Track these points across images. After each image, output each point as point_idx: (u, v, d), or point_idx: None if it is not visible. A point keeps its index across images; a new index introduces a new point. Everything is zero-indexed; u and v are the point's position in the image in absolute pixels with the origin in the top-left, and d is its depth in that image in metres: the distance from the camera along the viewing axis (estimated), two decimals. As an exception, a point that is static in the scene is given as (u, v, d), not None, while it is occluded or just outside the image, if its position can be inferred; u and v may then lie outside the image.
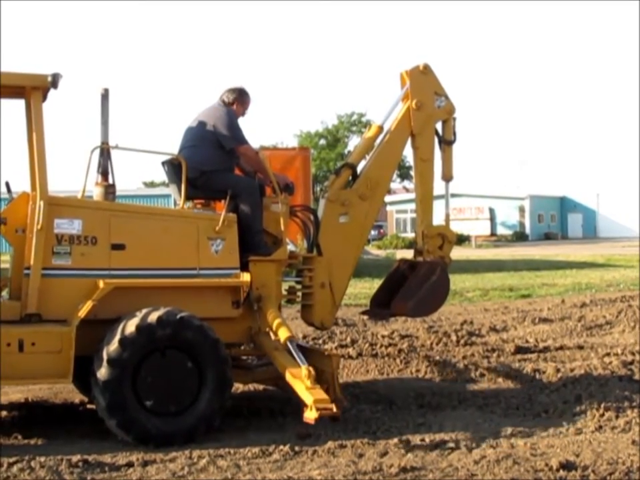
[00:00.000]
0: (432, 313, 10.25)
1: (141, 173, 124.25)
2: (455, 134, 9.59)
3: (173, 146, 8.86)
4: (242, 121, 8.88)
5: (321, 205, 9.23)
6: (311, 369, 7.55)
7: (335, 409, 7.13)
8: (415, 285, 9.18)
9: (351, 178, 9.28)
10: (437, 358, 11.53)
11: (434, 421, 8.19)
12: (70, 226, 7.79)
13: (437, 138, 9.55)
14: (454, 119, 9.57)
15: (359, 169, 9.30)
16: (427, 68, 9.42)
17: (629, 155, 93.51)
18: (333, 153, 69.50)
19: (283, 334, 7.95)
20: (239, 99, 8.88)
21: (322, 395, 7.30)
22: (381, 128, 9.39)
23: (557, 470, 6.44)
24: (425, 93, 9.39)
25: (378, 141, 9.41)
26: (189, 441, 7.39)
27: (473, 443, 7.28)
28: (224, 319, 8.18)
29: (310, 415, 7.12)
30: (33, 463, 6.72)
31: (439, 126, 9.58)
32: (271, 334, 8.17)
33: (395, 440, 7.36)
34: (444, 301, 9.59)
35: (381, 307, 9.55)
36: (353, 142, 68.82)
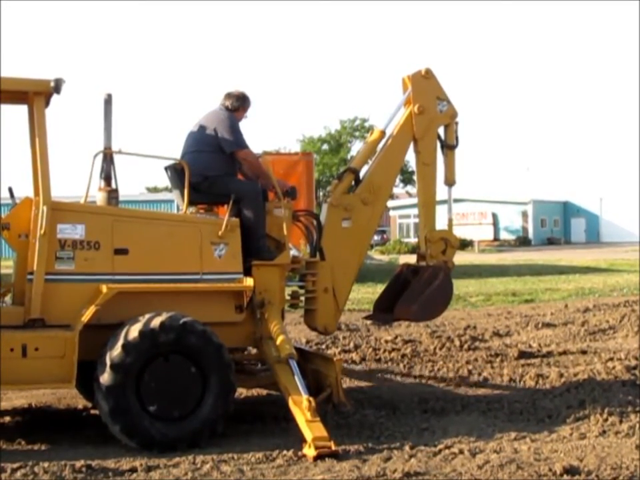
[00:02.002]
0: (435, 318, 10.26)
1: (144, 178, 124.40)
2: (457, 138, 9.61)
3: (175, 151, 8.88)
4: (244, 125, 8.89)
5: (323, 209, 9.24)
6: (311, 399, 7.53)
7: (333, 447, 7.10)
8: (418, 289, 9.19)
9: (353, 183, 9.29)
10: (440, 363, 11.52)
11: (437, 425, 8.17)
12: (73, 231, 7.80)
13: (439, 142, 9.56)
14: (456, 123, 9.59)
15: (362, 173, 9.32)
16: (428, 72, 9.44)
17: (631, 160, 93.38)
18: (335, 158, 69.51)
19: (284, 350, 7.95)
20: (238, 104, 8.89)
21: (322, 431, 7.25)
22: (383, 132, 9.41)
23: (561, 475, 6.43)
24: (427, 97, 9.40)
25: (380, 145, 9.42)
26: (193, 446, 7.39)
27: (477, 448, 7.27)
28: (227, 324, 8.18)
29: (309, 453, 7.07)
30: (36, 469, 6.72)
31: (441, 130, 9.60)
32: (273, 347, 8.16)
33: (399, 445, 7.37)
34: (447, 305, 9.60)
35: (384, 311, 9.56)
36: (356, 147, 68.85)
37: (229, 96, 8.92)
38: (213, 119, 8.72)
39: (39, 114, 7.74)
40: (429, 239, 9.47)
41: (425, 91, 9.43)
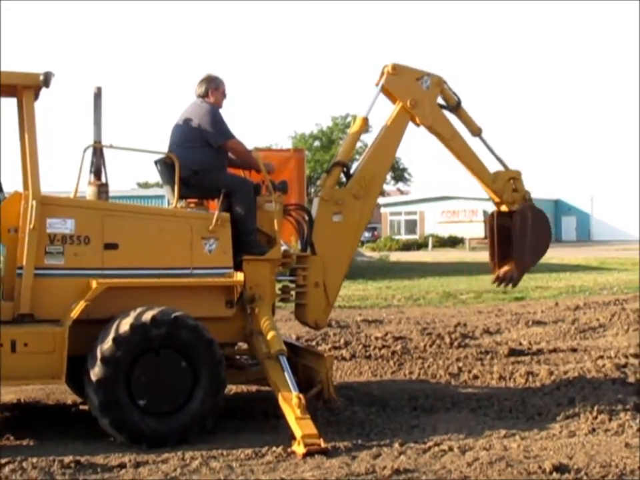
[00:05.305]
0: (547, 249, 10.18)
1: (135, 173, 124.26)
2: (455, 95, 9.58)
3: (166, 146, 8.81)
4: (225, 113, 8.78)
5: (314, 203, 9.21)
6: (301, 396, 7.53)
7: (322, 444, 7.09)
8: (520, 237, 9.52)
9: (343, 176, 9.27)
10: (431, 360, 11.51)
11: (427, 423, 8.17)
12: (62, 225, 7.76)
13: (444, 110, 9.55)
14: (445, 83, 9.53)
15: (350, 165, 9.30)
16: (395, 68, 9.36)
17: (623, 159, 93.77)
18: (327, 154, 69.33)
19: (274, 346, 7.94)
20: (207, 86, 8.77)
21: (311, 429, 7.24)
22: (366, 120, 9.36)
23: (550, 472, 6.43)
24: (410, 89, 9.34)
25: (368, 136, 9.40)
26: (182, 441, 7.38)
27: (466, 445, 7.26)
28: (217, 319, 8.15)
29: (298, 450, 7.06)
30: (24, 464, 6.69)
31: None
32: (263, 343, 8.14)
33: (388, 442, 7.36)
34: (551, 233, 9.95)
35: (502, 267, 9.78)
36: (348, 144, 68.79)
37: (199, 83, 8.79)
38: (196, 114, 8.62)
39: (28, 107, 7.70)
40: (497, 189, 9.65)
41: (404, 85, 9.37)
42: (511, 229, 9.60)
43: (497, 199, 9.77)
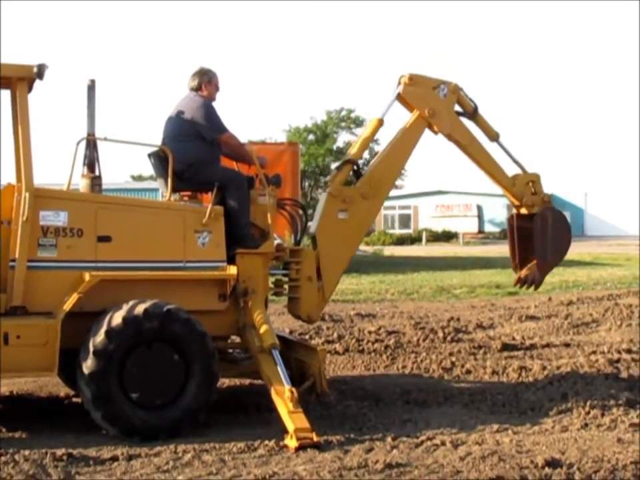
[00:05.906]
0: (568, 249, 10.28)
1: (129, 166, 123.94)
2: (472, 101, 9.64)
3: (159, 139, 8.79)
4: (219, 106, 8.75)
5: (322, 198, 9.25)
6: (294, 390, 7.54)
7: (315, 438, 7.10)
8: (541, 239, 9.61)
9: (352, 174, 9.29)
10: (424, 354, 11.52)
11: (420, 417, 8.18)
12: (56, 218, 7.75)
13: (461, 117, 9.61)
14: (461, 90, 9.58)
15: (364, 166, 9.33)
16: (412, 78, 9.39)
17: (617, 154, 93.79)
18: (321, 148, 69.33)
19: (267, 340, 7.95)
20: (200, 80, 8.74)
21: (303, 422, 7.25)
22: (381, 121, 9.40)
23: (542, 467, 6.44)
24: (428, 99, 9.40)
25: (382, 136, 9.41)
26: (174, 435, 7.37)
27: (459, 440, 7.26)
28: (210, 312, 8.15)
29: (290, 444, 7.07)
30: (17, 457, 6.68)
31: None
32: (255, 337, 8.13)
33: (381, 436, 7.36)
34: (570, 234, 10.03)
35: (524, 268, 9.88)
36: (342, 138, 68.69)
37: (192, 77, 8.76)
38: (189, 107, 8.60)
39: (21, 99, 7.68)
40: (517, 192, 9.73)
41: (421, 94, 9.41)
42: (533, 231, 9.70)
43: (516, 202, 9.86)
